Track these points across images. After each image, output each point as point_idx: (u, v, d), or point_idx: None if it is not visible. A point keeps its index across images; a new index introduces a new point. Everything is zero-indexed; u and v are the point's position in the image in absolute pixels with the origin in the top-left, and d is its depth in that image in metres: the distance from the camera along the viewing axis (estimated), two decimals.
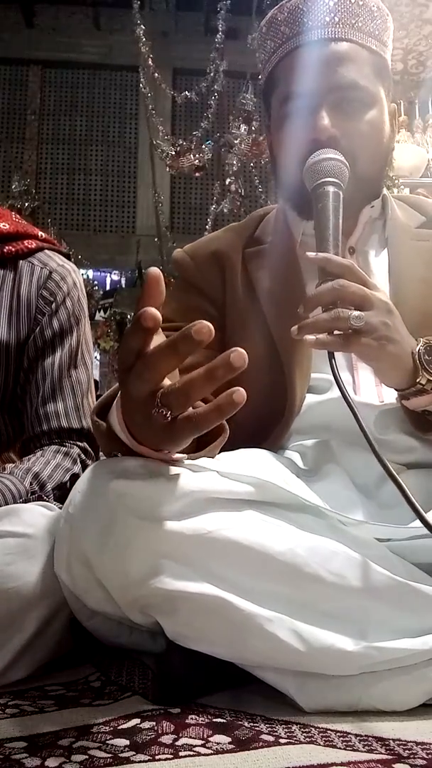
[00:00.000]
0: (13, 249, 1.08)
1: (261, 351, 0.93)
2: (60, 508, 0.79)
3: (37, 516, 0.82)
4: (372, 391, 0.91)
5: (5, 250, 1.07)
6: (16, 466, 0.97)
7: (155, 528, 0.65)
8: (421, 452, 0.89)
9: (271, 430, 0.90)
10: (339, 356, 0.92)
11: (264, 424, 0.87)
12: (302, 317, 0.76)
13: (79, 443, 1.05)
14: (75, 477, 0.97)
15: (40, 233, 1.14)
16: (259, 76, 1.08)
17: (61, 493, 0.95)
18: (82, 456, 1.04)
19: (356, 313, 0.74)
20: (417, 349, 0.79)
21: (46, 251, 1.12)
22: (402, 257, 0.97)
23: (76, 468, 1.01)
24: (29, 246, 1.09)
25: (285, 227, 1.03)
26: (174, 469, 0.69)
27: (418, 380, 0.79)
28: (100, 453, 1.07)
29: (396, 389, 0.83)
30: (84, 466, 1.01)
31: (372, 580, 0.68)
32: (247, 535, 0.67)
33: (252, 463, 0.76)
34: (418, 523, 0.74)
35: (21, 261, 1.08)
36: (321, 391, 0.91)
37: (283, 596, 0.66)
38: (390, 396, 0.89)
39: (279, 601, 0.66)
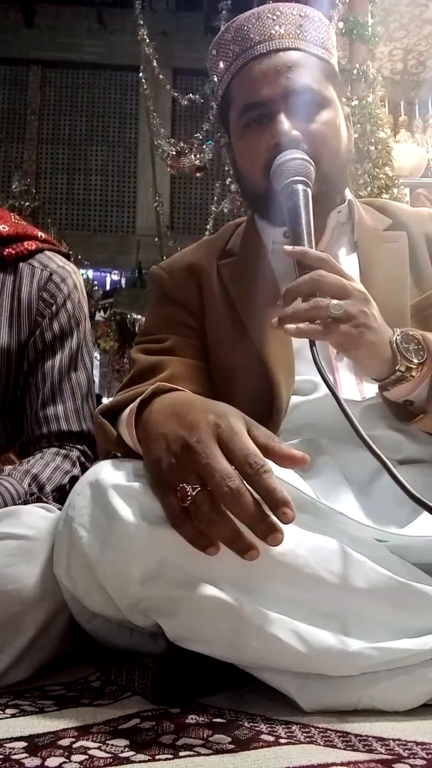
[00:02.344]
0: (13, 251, 1.07)
1: (245, 358, 0.95)
2: (60, 509, 0.79)
3: (37, 518, 0.82)
4: (353, 389, 0.92)
5: (5, 253, 1.07)
6: (15, 468, 0.97)
7: (155, 530, 0.65)
8: (409, 448, 0.90)
9: None
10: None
11: None
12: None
13: (79, 446, 1.05)
14: (74, 479, 0.97)
15: (40, 234, 1.13)
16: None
17: (60, 495, 0.95)
18: (82, 459, 1.04)
19: (335, 301, 0.76)
20: (394, 338, 0.81)
21: (47, 252, 1.11)
22: (372, 259, 1.00)
23: (76, 470, 1.01)
24: (29, 248, 1.09)
25: (256, 237, 1.05)
26: None
27: (396, 368, 0.81)
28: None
29: (376, 379, 0.84)
30: (83, 469, 1.01)
31: (372, 581, 0.68)
32: None
33: None
34: (416, 524, 0.74)
35: (21, 263, 1.08)
36: (306, 392, 0.93)
37: (283, 597, 0.66)
38: (371, 393, 0.90)
39: (279, 601, 0.66)
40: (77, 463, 1.03)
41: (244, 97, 0.97)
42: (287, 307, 0.77)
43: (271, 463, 0.65)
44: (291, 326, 0.76)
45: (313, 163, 0.91)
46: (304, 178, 0.89)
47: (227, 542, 0.62)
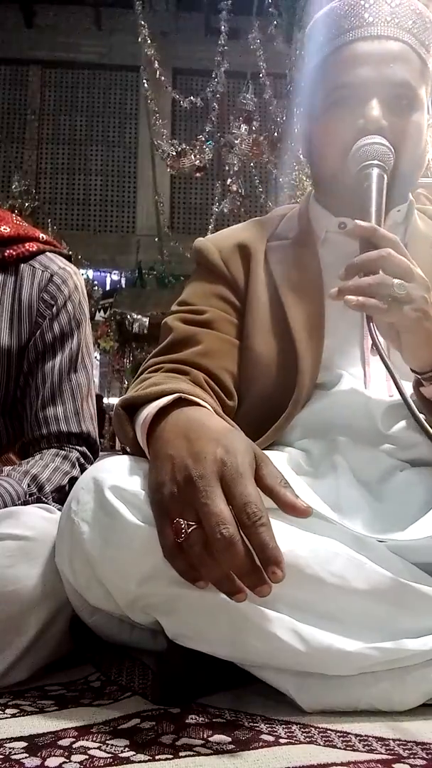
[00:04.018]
0: (14, 252, 1.07)
1: (277, 339, 0.95)
2: (60, 510, 0.79)
3: (37, 518, 0.82)
4: (382, 385, 0.92)
5: (6, 254, 1.07)
6: (14, 469, 0.97)
7: (155, 528, 0.65)
8: (423, 449, 0.89)
9: (274, 421, 0.91)
10: (353, 350, 0.94)
11: (269, 414, 0.88)
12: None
13: (78, 447, 1.05)
14: (73, 480, 0.97)
15: (41, 235, 1.13)
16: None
17: (59, 496, 0.95)
18: (81, 460, 1.04)
19: (399, 281, 0.76)
20: None
21: (48, 254, 1.11)
22: (420, 263, 0.98)
23: (75, 471, 1.01)
24: (30, 249, 1.09)
25: (308, 224, 1.04)
26: None
27: None
28: (100, 455, 1.07)
29: (417, 371, 0.83)
30: (83, 470, 1.01)
31: (372, 581, 0.68)
32: None
33: None
34: (418, 526, 0.74)
35: (22, 264, 1.08)
36: (329, 387, 0.93)
37: (283, 597, 0.66)
38: (398, 393, 0.90)
39: (279, 601, 0.66)
40: (77, 465, 1.03)
41: (341, 74, 0.95)
42: (349, 280, 0.77)
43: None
44: (352, 298, 0.74)
45: (393, 153, 0.90)
46: (382, 164, 0.88)
47: (216, 584, 0.61)
